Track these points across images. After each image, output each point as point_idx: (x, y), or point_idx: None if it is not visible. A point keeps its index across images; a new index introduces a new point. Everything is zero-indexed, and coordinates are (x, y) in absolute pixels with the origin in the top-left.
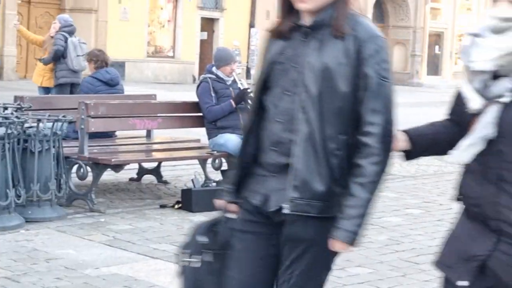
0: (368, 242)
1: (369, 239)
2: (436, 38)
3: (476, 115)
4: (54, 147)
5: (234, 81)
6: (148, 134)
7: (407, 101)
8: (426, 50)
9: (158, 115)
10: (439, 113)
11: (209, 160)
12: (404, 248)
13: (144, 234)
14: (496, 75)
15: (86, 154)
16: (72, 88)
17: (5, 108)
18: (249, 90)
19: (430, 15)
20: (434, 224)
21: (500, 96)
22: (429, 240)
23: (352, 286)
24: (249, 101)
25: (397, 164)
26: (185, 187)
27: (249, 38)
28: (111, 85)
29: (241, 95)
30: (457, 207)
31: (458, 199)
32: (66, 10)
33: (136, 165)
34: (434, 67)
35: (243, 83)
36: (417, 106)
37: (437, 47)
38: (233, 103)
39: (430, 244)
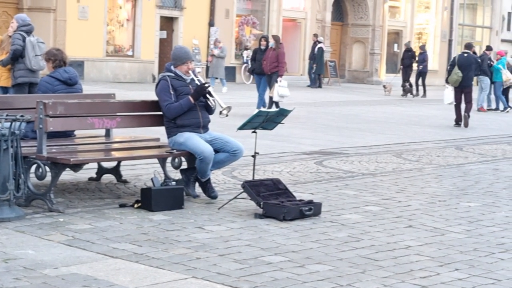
0: (328, 239)
1: (329, 236)
2: (395, 36)
3: None
4: (12, 147)
5: (193, 80)
6: (107, 133)
7: (366, 99)
8: (385, 48)
9: (117, 114)
10: (398, 111)
11: (169, 159)
12: (364, 245)
13: (103, 233)
14: None
15: (44, 153)
16: (30, 87)
17: None
18: (207, 85)
19: (389, 13)
20: (393, 221)
21: None
22: (388, 237)
23: (311, 283)
24: (208, 97)
25: (356, 162)
26: (144, 186)
27: (208, 37)
28: (70, 84)
29: (199, 91)
30: (415, 204)
31: None
32: (24, 9)
33: (95, 165)
34: (393, 65)
35: (200, 80)
36: (377, 104)
37: (396, 45)
38: (191, 99)
39: (389, 241)
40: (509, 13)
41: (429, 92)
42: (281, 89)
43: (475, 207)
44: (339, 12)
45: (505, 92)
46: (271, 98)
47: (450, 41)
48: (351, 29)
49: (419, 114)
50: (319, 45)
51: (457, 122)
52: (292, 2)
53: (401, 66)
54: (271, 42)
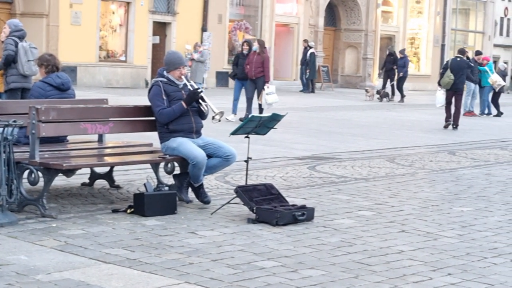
0: (321, 244)
1: (322, 241)
2: (388, 41)
3: None
4: (4, 152)
5: (186, 85)
6: (100, 139)
7: (358, 104)
8: (378, 53)
9: (110, 119)
10: (391, 116)
11: (162, 164)
12: (356, 250)
13: (96, 239)
14: None
15: (37, 159)
16: (23, 93)
17: None
18: (199, 91)
19: (382, 18)
20: (386, 225)
21: None
22: (380, 242)
23: None
24: (201, 102)
25: (349, 167)
26: (137, 192)
27: (201, 42)
28: (62, 89)
29: (192, 96)
30: (408, 209)
31: None
32: (17, 15)
33: (88, 170)
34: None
35: (193, 85)
36: (369, 109)
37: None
38: (184, 104)
39: (381, 246)
40: (501, 18)
41: (422, 96)
42: (269, 97)
43: (468, 211)
44: (331, 17)
45: (496, 96)
46: (260, 105)
47: (442, 46)
48: (344, 34)
49: (412, 119)
50: (310, 50)
51: (447, 121)
52: (284, 7)
53: (381, 71)
54: (255, 46)
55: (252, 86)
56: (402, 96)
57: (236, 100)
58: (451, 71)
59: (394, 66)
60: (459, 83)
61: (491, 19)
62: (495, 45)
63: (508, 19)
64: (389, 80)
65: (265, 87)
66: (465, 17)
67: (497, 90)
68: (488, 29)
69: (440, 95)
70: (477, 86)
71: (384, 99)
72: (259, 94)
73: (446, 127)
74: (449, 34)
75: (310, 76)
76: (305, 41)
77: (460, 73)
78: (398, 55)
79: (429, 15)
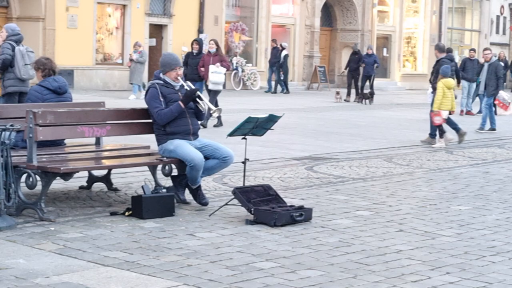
0: (319, 245)
1: (320, 242)
2: (384, 41)
3: None
4: (2, 156)
5: (183, 86)
6: (97, 142)
7: (355, 104)
8: (374, 53)
9: (107, 122)
10: (388, 116)
11: (159, 167)
12: (355, 250)
13: (94, 241)
14: None
15: (35, 163)
16: (20, 97)
17: None
18: (195, 90)
19: (378, 18)
20: (384, 225)
21: None
22: (379, 242)
23: None
24: (198, 101)
25: (347, 167)
26: (135, 194)
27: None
28: (59, 93)
29: (189, 95)
30: (406, 208)
31: None
32: (13, 19)
33: (85, 173)
34: (382, 70)
35: (190, 85)
36: (367, 108)
37: (385, 49)
38: (181, 104)
39: (380, 246)
40: (497, 16)
41: (420, 96)
42: (212, 76)
43: (466, 210)
44: (328, 17)
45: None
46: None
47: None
48: (340, 34)
49: (409, 118)
50: (285, 52)
51: None
52: (281, 8)
53: (344, 70)
54: (214, 48)
55: (208, 91)
56: (365, 96)
57: None
58: None
59: (359, 65)
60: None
61: (487, 18)
62: (492, 44)
63: (504, 17)
64: (368, 80)
65: (215, 65)
66: (461, 15)
67: None
68: (484, 27)
69: (429, 93)
70: (474, 85)
71: (367, 101)
72: (213, 102)
73: None
74: (445, 33)
75: (286, 77)
76: (273, 41)
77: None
78: (367, 52)
79: (425, 14)
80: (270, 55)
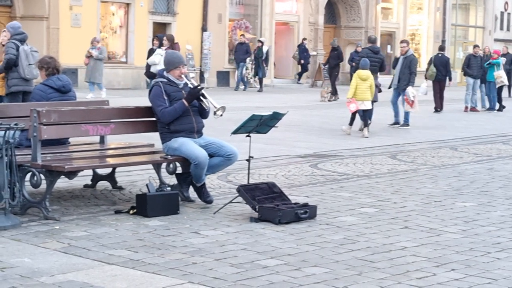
0: (324, 242)
1: (325, 239)
2: (388, 38)
3: None
4: (6, 155)
5: (186, 84)
6: (102, 140)
7: None
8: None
9: (111, 120)
10: (391, 112)
11: (164, 165)
12: (359, 247)
13: (99, 240)
14: None
15: (39, 161)
16: (24, 96)
17: None
18: (199, 88)
19: (382, 15)
20: (389, 222)
21: None
22: (383, 239)
23: (308, 286)
24: (203, 100)
25: (351, 164)
26: (139, 192)
27: (201, 42)
28: (63, 92)
29: (193, 93)
30: (411, 205)
31: None
32: (17, 18)
33: (90, 172)
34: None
35: (193, 83)
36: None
37: (389, 46)
38: (185, 102)
39: (385, 243)
40: (501, 12)
41: None
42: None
43: (471, 207)
44: (331, 14)
45: (498, 91)
46: None
47: (443, 41)
48: (344, 31)
49: (412, 115)
50: (266, 47)
51: (436, 109)
52: (284, 6)
53: (324, 67)
54: (167, 44)
55: None
56: (335, 93)
57: None
58: (434, 65)
59: (339, 62)
60: (442, 75)
61: (491, 14)
62: (496, 40)
63: (509, 14)
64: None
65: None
66: (465, 12)
67: (497, 86)
68: (489, 24)
69: (424, 86)
70: (478, 81)
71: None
72: None
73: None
74: (449, 30)
75: (263, 74)
76: (243, 35)
77: (442, 67)
78: (356, 49)
79: (429, 11)
80: (237, 51)
